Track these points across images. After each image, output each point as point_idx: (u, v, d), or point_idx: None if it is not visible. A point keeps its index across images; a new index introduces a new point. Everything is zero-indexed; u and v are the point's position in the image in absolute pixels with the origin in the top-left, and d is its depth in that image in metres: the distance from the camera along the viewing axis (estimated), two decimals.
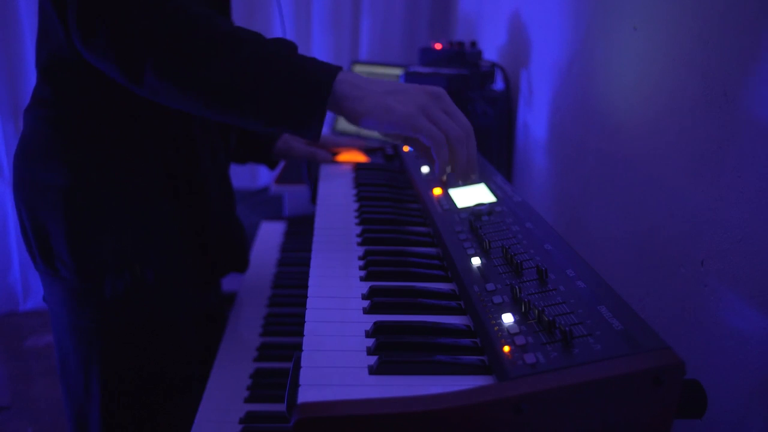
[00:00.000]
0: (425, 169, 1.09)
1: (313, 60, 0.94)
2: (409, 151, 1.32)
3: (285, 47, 0.94)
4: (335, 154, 1.42)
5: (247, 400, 1.09)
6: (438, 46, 1.87)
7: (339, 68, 0.94)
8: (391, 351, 0.70)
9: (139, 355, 1.18)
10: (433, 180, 1.15)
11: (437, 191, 1.10)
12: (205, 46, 0.91)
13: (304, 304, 0.80)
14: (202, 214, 1.21)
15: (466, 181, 0.99)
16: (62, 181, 1.09)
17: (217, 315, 1.38)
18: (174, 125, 1.15)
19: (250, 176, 3.05)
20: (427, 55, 1.88)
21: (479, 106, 1.71)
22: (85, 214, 1.11)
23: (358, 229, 1.03)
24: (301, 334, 0.74)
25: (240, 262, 1.36)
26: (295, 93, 0.91)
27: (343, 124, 2.58)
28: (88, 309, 1.14)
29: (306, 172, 1.45)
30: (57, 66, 1.09)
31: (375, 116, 0.93)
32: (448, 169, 0.98)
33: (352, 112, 0.93)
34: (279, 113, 0.92)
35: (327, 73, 0.93)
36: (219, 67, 0.91)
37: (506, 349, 0.67)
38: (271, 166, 1.49)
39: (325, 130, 2.45)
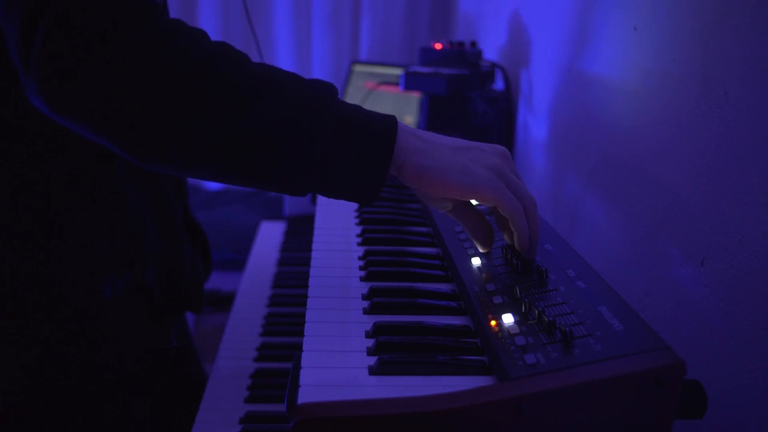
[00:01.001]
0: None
1: (357, 106, 0.76)
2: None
3: (329, 88, 0.75)
4: None
5: (247, 400, 1.09)
6: (438, 46, 1.87)
7: (392, 116, 0.76)
8: (392, 351, 0.70)
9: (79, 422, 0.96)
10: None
11: None
12: (238, 94, 0.71)
13: (304, 304, 0.80)
14: (133, 253, 0.97)
15: (534, 258, 0.81)
16: None
17: (182, 360, 1.19)
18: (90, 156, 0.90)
19: None
20: (427, 55, 1.87)
21: (479, 106, 1.71)
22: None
23: (358, 229, 1.03)
24: (301, 334, 0.74)
25: (192, 303, 1.12)
26: (353, 148, 0.72)
27: None
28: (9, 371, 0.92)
29: None
30: None
31: (450, 176, 0.74)
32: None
33: (418, 168, 0.74)
34: (329, 176, 0.74)
35: (386, 120, 0.75)
36: (258, 120, 0.70)
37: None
38: None
39: None
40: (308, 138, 0.71)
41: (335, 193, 0.76)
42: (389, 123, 0.75)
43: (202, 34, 0.73)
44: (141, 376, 1.00)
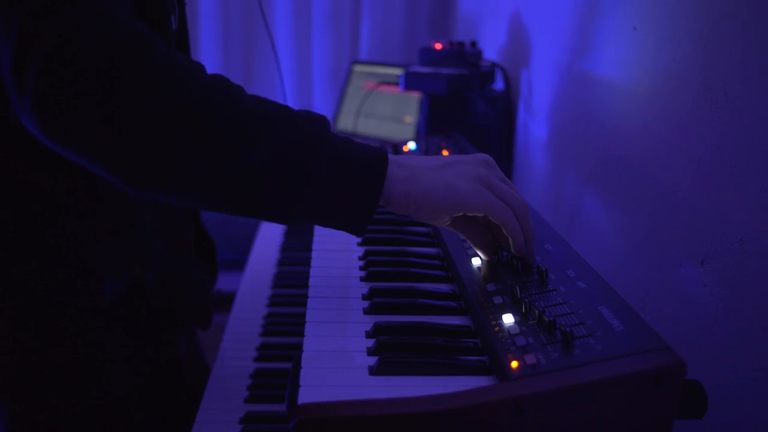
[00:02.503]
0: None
1: (348, 139, 0.77)
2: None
3: (320, 123, 0.76)
4: None
5: (247, 400, 1.09)
6: (438, 46, 1.87)
7: (382, 148, 0.78)
8: (392, 352, 0.70)
9: None
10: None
11: None
12: (234, 133, 0.71)
13: (304, 304, 0.80)
14: (140, 272, 0.96)
15: (533, 260, 0.82)
16: None
17: (190, 369, 1.17)
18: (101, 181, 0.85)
19: None
20: (427, 55, 1.87)
21: (479, 106, 1.71)
22: None
23: None
24: (301, 334, 0.74)
25: (201, 320, 1.12)
26: (345, 184, 0.74)
27: (343, 123, 2.57)
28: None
29: None
30: None
31: (436, 197, 0.76)
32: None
33: (404, 196, 0.76)
34: (322, 209, 0.75)
35: (376, 154, 0.76)
36: (254, 158, 0.71)
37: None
38: None
39: None
40: (303, 175, 0.73)
41: (326, 223, 0.77)
42: (379, 157, 0.76)
43: (200, 69, 0.73)
44: (144, 384, 1.00)
